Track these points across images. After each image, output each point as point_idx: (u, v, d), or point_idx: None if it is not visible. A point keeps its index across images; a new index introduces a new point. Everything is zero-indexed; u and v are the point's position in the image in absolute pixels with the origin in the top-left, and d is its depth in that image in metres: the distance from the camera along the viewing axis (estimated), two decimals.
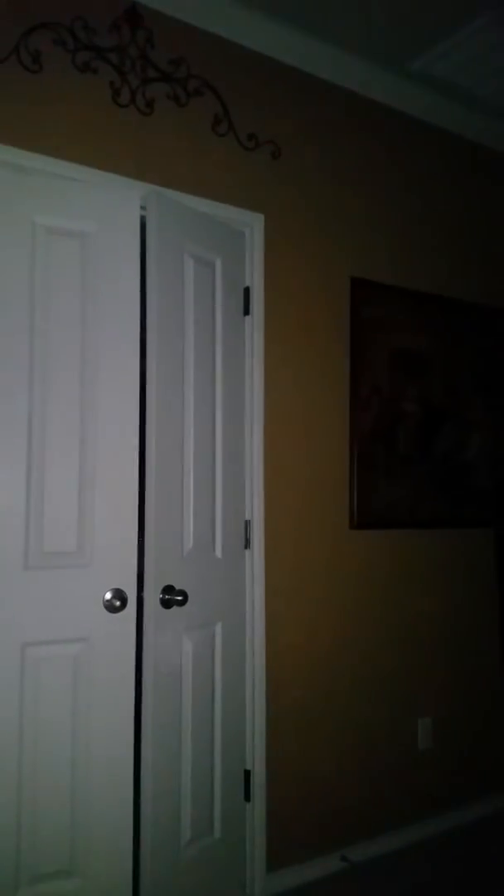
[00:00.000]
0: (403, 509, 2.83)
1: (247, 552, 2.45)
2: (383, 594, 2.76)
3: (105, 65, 2.18)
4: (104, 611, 2.00)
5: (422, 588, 2.87)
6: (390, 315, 2.84)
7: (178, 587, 2.14)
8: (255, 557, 2.45)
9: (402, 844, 2.72)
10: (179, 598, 2.11)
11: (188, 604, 2.15)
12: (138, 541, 2.09)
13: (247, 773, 2.40)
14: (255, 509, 2.46)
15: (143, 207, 2.16)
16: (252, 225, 2.49)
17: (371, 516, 2.74)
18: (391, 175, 2.87)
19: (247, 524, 2.46)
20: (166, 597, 2.10)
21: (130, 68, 2.22)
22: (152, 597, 2.08)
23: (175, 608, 2.13)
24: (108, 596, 2.00)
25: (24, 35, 2.04)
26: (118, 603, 2.00)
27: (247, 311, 2.49)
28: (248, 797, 2.40)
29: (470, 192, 3.13)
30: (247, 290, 2.49)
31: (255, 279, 2.49)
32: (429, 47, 2.64)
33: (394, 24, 2.51)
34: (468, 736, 2.97)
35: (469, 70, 2.75)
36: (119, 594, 2.00)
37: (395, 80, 2.80)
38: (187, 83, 2.34)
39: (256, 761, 2.40)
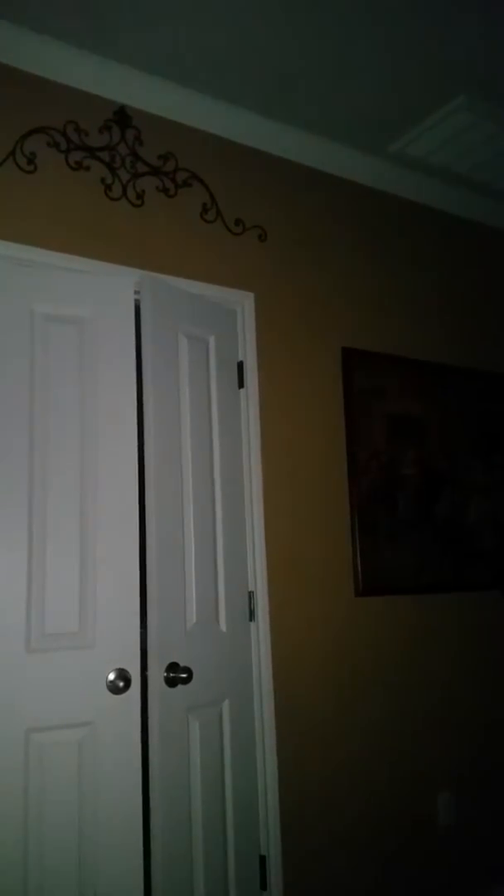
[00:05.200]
0: (408, 574, 2.82)
1: (252, 624, 2.43)
2: (393, 662, 2.71)
3: (97, 162, 2.31)
4: (108, 692, 1.97)
5: (431, 654, 2.82)
6: (384, 382, 2.90)
7: (182, 664, 2.12)
8: (261, 629, 2.42)
9: None
10: (184, 675, 2.08)
11: (193, 681, 2.12)
12: (141, 618, 2.08)
13: (262, 859, 2.31)
14: (259, 580, 2.45)
15: (136, 292, 2.25)
16: (243, 303, 2.58)
17: (376, 583, 2.72)
18: (377, 250, 2.99)
19: (251, 595, 2.44)
20: (171, 675, 2.07)
21: (121, 164, 2.35)
22: (156, 676, 2.05)
23: (180, 686, 2.10)
24: (112, 677, 1.97)
25: (20, 139, 2.18)
26: (122, 683, 1.97)
27: (241, 385, 2.55)
28: (264, 885, 2.30)
29: (457, 262, 3.25)
30: (240, 365, 2.55)
31: (248, 353, 2.57)
32: (406, 129, 2.78)
33: (371, 109, 2.65)
34: (491, 812, 2.86)
35: (446, 150, 2.89)
36: (122, 674, 1.98)
37: (375, 163, 2.95)
38: (175, 175, 2.48)
39: (272, 846, 2.31)
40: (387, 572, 2.76)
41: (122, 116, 2.38)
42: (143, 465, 2.15)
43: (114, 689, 1.97)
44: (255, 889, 2.28)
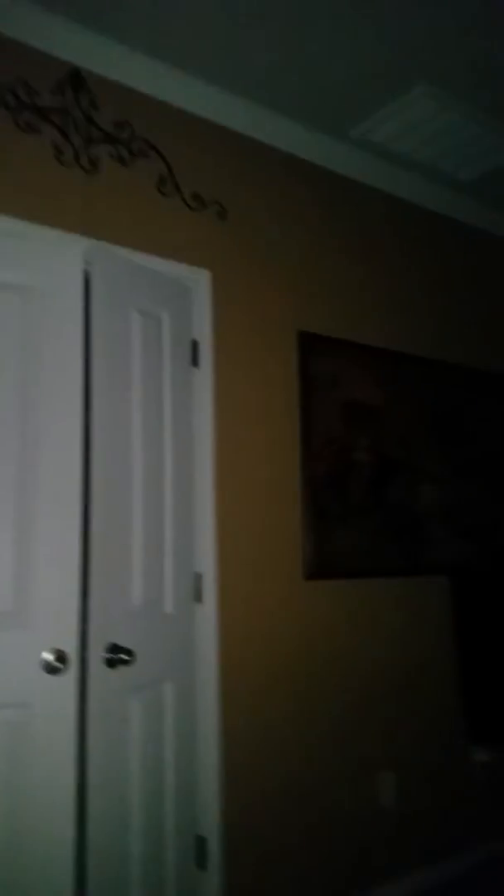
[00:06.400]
0: (357, 559, 2.82)
1: (198, 606, 2.40)
2: (339, 645, 2.72)
3: (48, 125, 2.22)
4: (44, 673, 1.91)
5: (378, 638, 2.83)
6: (341, 368, 2.88)
7: (124, 645, 2.07)
8: (208, 611, 2.39)
9: None
10: (126, 656, 2.04)
11: (135, 662, 2.08)
12: (82, 597, 2.03)
13: (201, 840, 2.29)
14: (207, 562, 2.42)
15: (87, 262, 2.18)
16: (199, 280, 2.52)
17: (325, 566, 2.71)
18: (336, 234, 2.96)
19: (198, 577, 2.41)
20: (111, 655, 2.03)
21: (74, 129, 2.27)
22: (96, 656, 2.01)
23: (121, 667, 2.06)
24: (48, 657, 1.91)
25: None
26: (59, 664, 1.92)
27: (195, 364, 2.50)
28: (203, 865, 2.28)
29: (417, 251, 3.24)
30: (195, 344, 2.51)
31: (203, 332, 2.52)
32: (367, 115, 2.76)
33: (333, 92, 2.62)
34: (430, 790, 2.90)
35: (407, 137, 2.87)
36: (60, 655, 1.93)
37: (336, 146, 2.92)
38: (131, 144, 2.40)
39: (211, 827, 2.30)
40: (337, 556, 2.76)
41: (76, 78, 2.29)
42: (90, 437, 2.09)
43: (50, 669, 1.91)
44: (193, 870, 2.26)
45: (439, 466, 3.15)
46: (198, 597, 2.40)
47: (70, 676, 1.95)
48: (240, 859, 2.35)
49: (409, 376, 3.10)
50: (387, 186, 3.14)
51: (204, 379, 2.50)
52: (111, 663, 2.03)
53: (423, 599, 3.00)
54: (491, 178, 3.21)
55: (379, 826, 2.73)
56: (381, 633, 2.85)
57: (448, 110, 2.70)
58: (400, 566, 2.95)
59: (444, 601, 3.07)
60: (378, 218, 3.12)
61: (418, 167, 3.11)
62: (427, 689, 2.95)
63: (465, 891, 2.79)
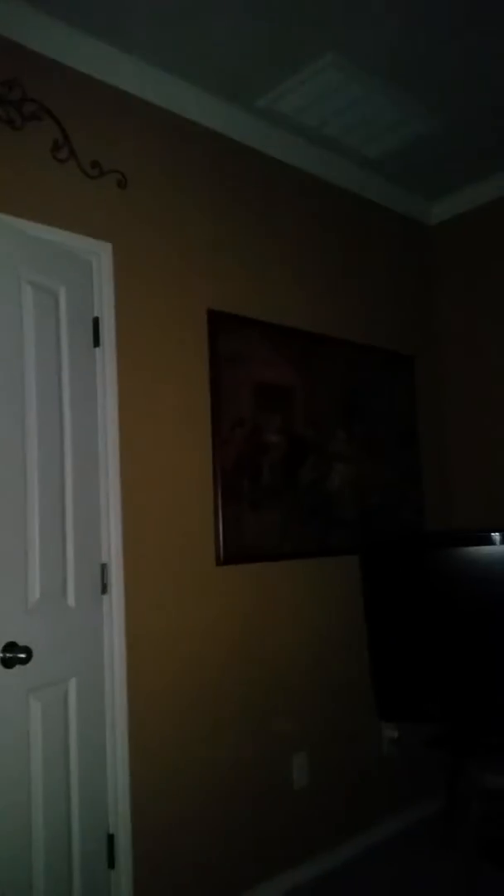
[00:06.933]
0: (270, 542, 2.78)
1: (104, 598, 2.30)
2: (253, 629, 2.68)
3: None
4: None
5: (291, 620, 2.81)
6: (252, 348, 2.81)
7: (21, 643, 1.96)
8: (114, 603, 2.30)
9: (280, 892, 2.61)
10: (23, 655, 1.92)
11: (34, 661, 1.97)
12: None
13: (110, 838, 2.22)
14: (113, 552, 2.32)
15: None
16: (99, 253, 2.39)
17: (238, 551, 2.66)
18: (245, 209, 2.87)
19: (104, 568, 2.31)
20: (7, 655, 1.91)
21: None
22: None
23: (18, 667, 1.94)
24: None
25: None
26: None
27: (97, 343, 2.37)
28: (112, 864, 2.21)
29: (327, 229, 3.19)
30: (96, 321, 2.37)
31: (105, 309, 2.39)
32: (273, 86, 2.67)
33: (238, 60, 2.52)
34: (343, 769, 2.92)
35: (313, 109, 2.80)
36: None
37: (242, 117, 2.82)
38: (22, 106, 2.23)
39: (121, 824, 2.23)
40: (249, 540, 2.71)
41: None
42: None
43: None
44: (102, 868, 2.19)
45: (349, 447, 3.14)
46: (104, 588, 2.30)
47: None
48: (150, 855, 2.29)
49: (319, 356, 3.06)
50: (296, 161, 3.07)
51: (107, 359, 2.37)
52: (7, 663, 1.91)
53: (336, 579, 3.00)
54: (397, 155, 3.19)
55: (292, 807, 2.73)
56: (294, 614, 2.83)
57: (355, 82, 2.65)
58: (312, 548, 2.93)
59: (355, 581, 3.07)
60: (287, 193, 3.05)
61: (326, 142, 3.05)
62: (340, 668, 2.96)
63: (377, 865, 2.83)
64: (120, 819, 2.22)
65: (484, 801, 2.74)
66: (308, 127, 2.92)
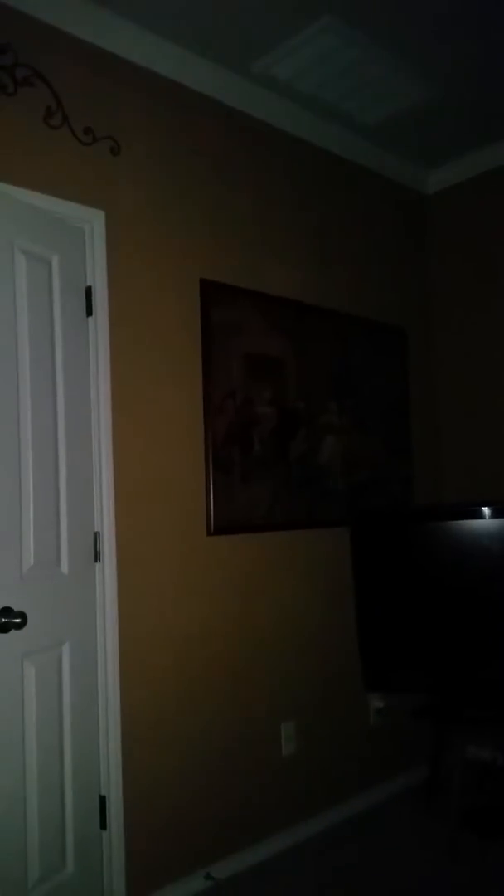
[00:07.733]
0: (260, 512, 2.81)
1: (97, 566, 2.32)
2: (242, 599, 2.72)
3: None
4: None
5: (280, 590, 2.85)
6: (244, 318, 2.81)
7: (16, 608, 1.99)
8: (107, 571, 2.33)
9: (267, 856, 2.68)
10: (17, 619, 1.96)
11: (28, 626, 2.00)
12: None
13: (102, 799, 2.27)
14: (106, 520, 2.34)
15: None
16: (92, 221, 2.37)
17: (228, 521, 2.69)
18: (237, 176, 2.84)
19: (96, 536, 2.33)
20: (2, 620, 1.94)
21: None
22: None
23: (13, 632, 1.97)
24: None
25: None
26: None
27: (90, 312, 2.36)
28: (104, 825, 2.27)
29: (322, 197, 3.17)
30: (89, 290, 2.36)
31: (98, 278, 2.38)
32: (269, 49, 2.63)
33: (234, 24, 2.48)
34: (331, 737, 2.99)
35: (310, 74, 2.77)
36: None
37: (237, 81, 2.78)
38: (15, 71, 2.19)
39: (112, 786, 2.28)
40: (240, 511, 2.74)
41: None
42: None
43: None
44: (95, 829, 2.25)
45: (340, 419, 3.16)
46: (97, 556, 2.32)
47: None
48: (141, 817, 2.34)
49: (312, 328, 3.06)
50: (291, 127, 3.04)
51: (99, 328, 2.37)
52: (3, 627, 1.95)
53: (325, 551, 3.03)
54: (395, 122, 3.15)
55: (280, 774, 2.79)
56: (284, 585, 2.87)
57: (352, 47, 2.61)
58: (302, 518, 2.96)
59: (344, 552, 3.11)
60: (283, 160, 3.02)
61: (323, 108, 3.01)
62: (328, 639, 3.01)
63: (362, 831, 2.91)
64: (112, 781, 2.27)
65: (466, 771, 2.81)
66: (304, 92, 2.88)
